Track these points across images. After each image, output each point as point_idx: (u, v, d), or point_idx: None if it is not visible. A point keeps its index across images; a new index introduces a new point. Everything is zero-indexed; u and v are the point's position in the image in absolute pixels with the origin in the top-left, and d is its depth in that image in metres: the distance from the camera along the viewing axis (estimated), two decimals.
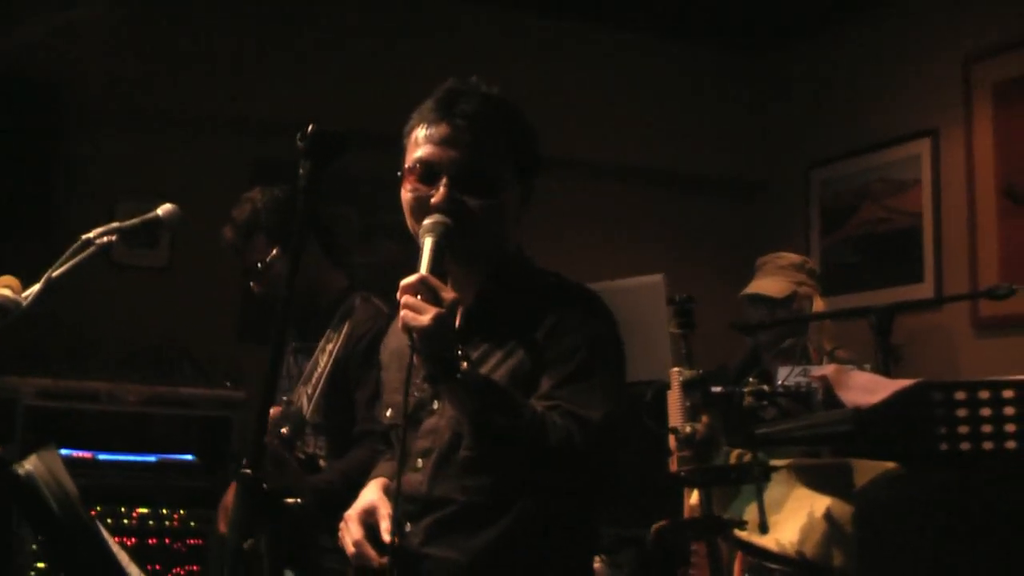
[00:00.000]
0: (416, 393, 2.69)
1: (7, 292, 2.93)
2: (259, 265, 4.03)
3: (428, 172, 2.66)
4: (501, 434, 2.46)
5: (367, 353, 3.71)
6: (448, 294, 2.43)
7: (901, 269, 6.86)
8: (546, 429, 2.45)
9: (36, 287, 2.97)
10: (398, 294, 2.43)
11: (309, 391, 3.88)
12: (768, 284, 5.49)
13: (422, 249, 2.53)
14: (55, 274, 3.01)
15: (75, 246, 3.09)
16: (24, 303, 2.94)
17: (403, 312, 2.40)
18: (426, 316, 2.36)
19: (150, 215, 3.33)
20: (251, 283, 4.11)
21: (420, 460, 2.67)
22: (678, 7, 7.34)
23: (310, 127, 2.30)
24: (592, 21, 7.54)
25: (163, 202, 3.31)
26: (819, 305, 5.50)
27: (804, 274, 5.56)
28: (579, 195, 7.43)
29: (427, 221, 2.57)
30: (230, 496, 4.04)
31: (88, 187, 6.31)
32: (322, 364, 3.88)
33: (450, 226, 2.57)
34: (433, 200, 2.62)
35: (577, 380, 2.57)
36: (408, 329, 2.39)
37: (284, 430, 3.74)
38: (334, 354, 3.85)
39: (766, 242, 6.76)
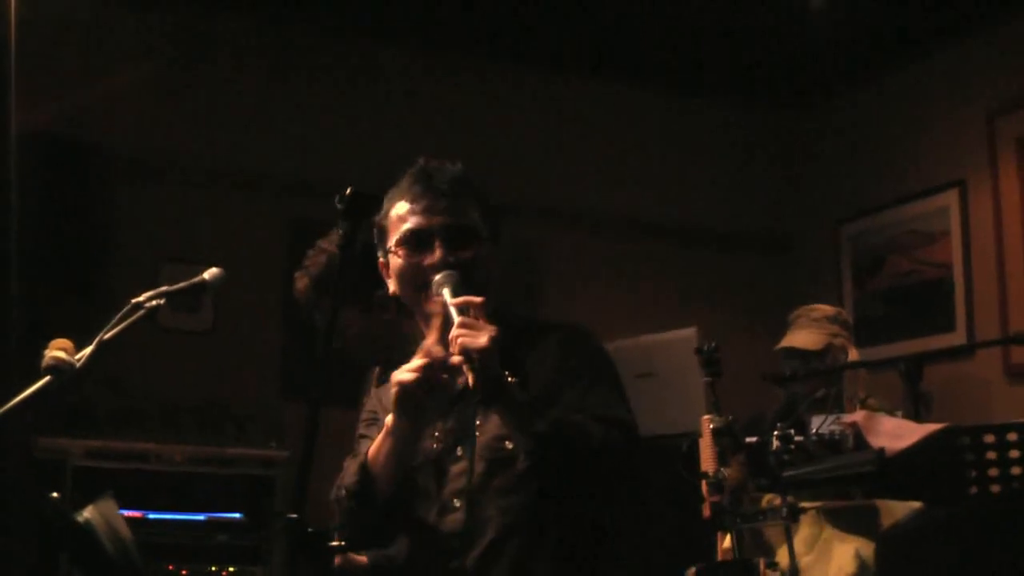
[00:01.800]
0: (435, 445, 2.88)
1: (62, 354, 3.02)
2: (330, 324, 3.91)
3: (420, 239, 2.89)
4: (553, 439, 2.65)
5: None
6: (492, 326, 2.66)
7: (932, 320, 6.92)
8: (589, 430, 2.68)
9: (88, 349, 3.07)
10: (450, 335, 2.64)
11: None
12: (803, 337, 5.55)
13: (444, 301, 2.74)
14: (106, 336, 3.11)
15: (125, 309, 3.17)
16: (78, 365, 3.04)
17: (461, 338, 2.61)
18: (483, 336, 2.60)
19: (196, 279, 3.42)
20: (326, 342, 3.99)
21: (456, 500, 2.82)
22: (708, 65, 7.44)
23: (347, 190, 2.45)
24: (624, 79, 7.63)
25: (206, 265, 3.40)
26: (854, 355, 5.55)
27: (838, 325, 5.62)
28: (610, 251, 7.52)
29: (438, 277, 2.80)
30: None
31: (132, 248, 6.40)
32: None
33: (457, 277, 2.79)
34: (429, 262, 2.85)
35: (595, 391, 2.83)
36: (467, 351, 2.59)
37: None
38: None
39: (797, 295, 6.83)
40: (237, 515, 5.58)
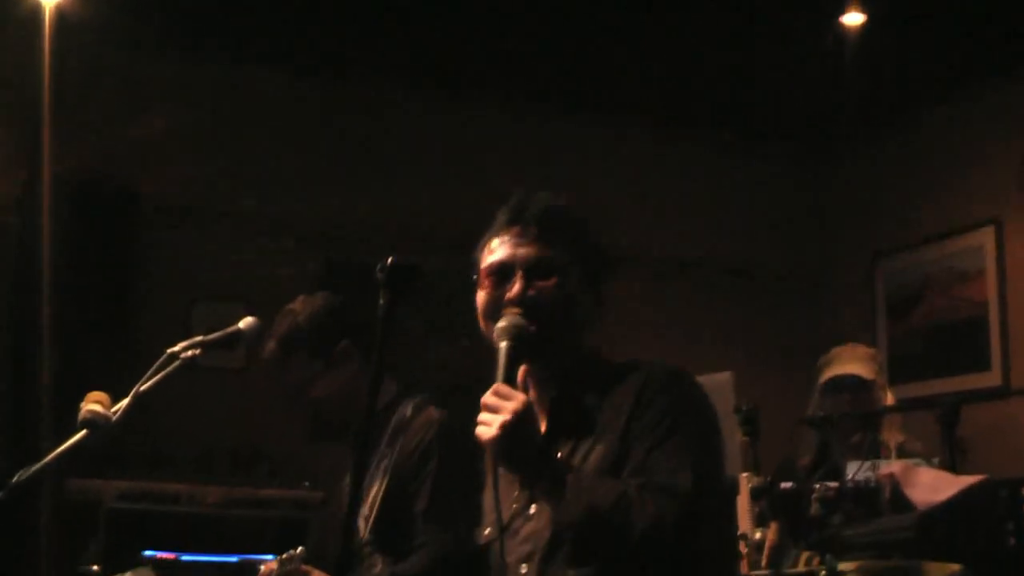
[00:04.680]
0: (513, 504, 2.73)
1: (97, 408, 3.04)
2: (300, 381, 3.94)
3: (503, 271, 2.75)
4: (589, 528, 2.49)
5: (420, 464, 3.65)
6: (518, 399, 2.53)
7: (968, 358, 6.88)
8: (631, 515, 2.45)
9: (124, 402, 3.08)
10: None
11: (366, 512, 3.79)
12: (856, 367, 5.40)
13: (498, 353, 2.63)
14: (142, 388, 3.12)
15: (161, 360, 3.20)
16: (113, 418, 3.06)
17: (478, 428, 2.50)
18: (494, 427, 2.48)
19: (231, 329, 3.46)
20: (296, 398, 4.08)
21: (524, 566, 2.67)
22: (739, 107, 7.44)
23: (388, 259, 2.42)
24: (655, 120, 7.64)
25: (239, 304, 3.41)
26: (889, 398, 5.49)
27: (878, 365, 5.53)
28: (641, 292, 7.48)
29: (501, 323, 2.67)
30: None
31: (163, 289, 6.46)
32: (378, 483, 3.79)
33: (523, 326, 2.66)
34: (508, 295, 2.71)
35: (662, 447, 2.54)
36: (483, 442, 2.50)
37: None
38: (389, 471, 3.76)
39: (831, 332, 6.80)
40: (270, 556, 5.55)
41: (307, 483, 5.84)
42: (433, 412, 3.82)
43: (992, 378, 6.71)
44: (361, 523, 3.79)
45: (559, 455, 2.62)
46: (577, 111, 7.53)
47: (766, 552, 2.67)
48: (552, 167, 7.35)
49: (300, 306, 3.98)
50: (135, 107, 6.44)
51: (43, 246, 5.70)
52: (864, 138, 7.82)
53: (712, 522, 2.56)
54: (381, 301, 2.44)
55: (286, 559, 3.61)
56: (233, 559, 5.53)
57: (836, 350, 5.55)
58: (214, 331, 3.45)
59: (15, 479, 2.89)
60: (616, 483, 2.53)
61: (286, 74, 6.93)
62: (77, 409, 3.05)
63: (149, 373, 3.16)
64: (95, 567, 3.37)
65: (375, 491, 3.79)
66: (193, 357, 3.29)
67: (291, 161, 6.87)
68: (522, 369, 2.72)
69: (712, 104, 7.47)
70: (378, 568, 3.74)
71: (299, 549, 3.60)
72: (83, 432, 3.04)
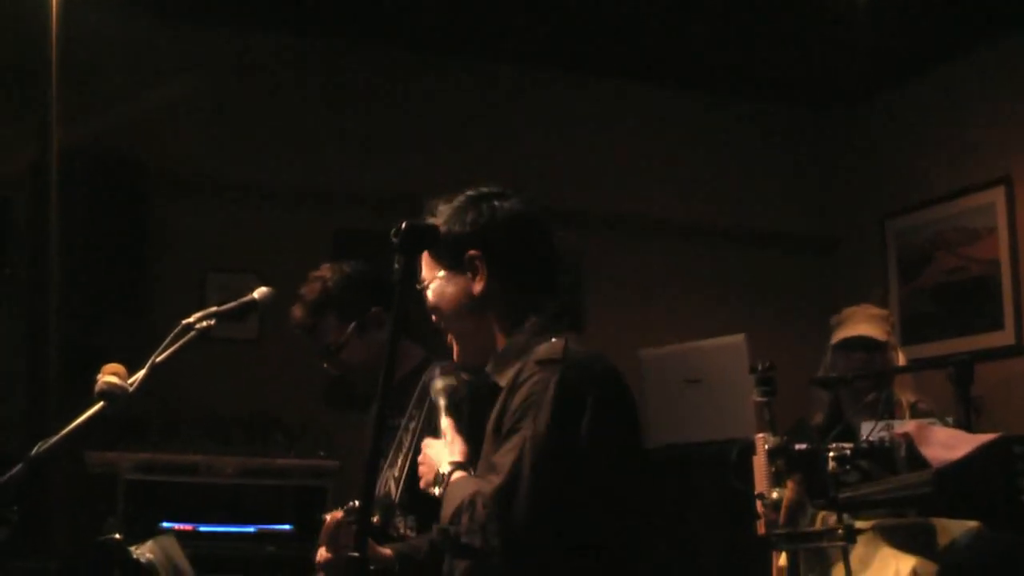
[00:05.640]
0: None
1: (114, 379, 3.04)
2: (332, 345, 4.00)
3: None
4: (443, 536, 2.66)
5: None
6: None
7: (980, 317, 6.88)
8: (461, 525, 2.57)
9: (141, 373, 3.09)
10: None
11: (396, 474, 3.78)
12: (867, 328, 5.42)
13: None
14: (158, 359, 3.13)
15: (176, 331, 3.20)
16: (130, 389, 3.06)
17: None
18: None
19: (246, 298, 3.46)
20: (325, 363, 4.10)
21: None
22: (749, 66, 7.41)
23: (402, 224, 2.43)
24: (663, 81, 7.63)
25: (251, 275, 3.41)
26: (901, 358, 5.49)
27: (890, 326, 5.54)
28: (653, 254, 7.50)
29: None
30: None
31: (177, 260, 6.48)
32: (407, 444, 3.78)
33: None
34: None
35: (506, 442, 2.61)
36: None
37: (375, 519, 3.78)
38: (417, 432, 3.73)
39: (842, 295, 6.80)
40: (287, 526, 5.60)
41: (322, 452, 5.86)
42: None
43: (1005, 336, 6.70)
44: (392, 485, 3.79)
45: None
46: (588, 75, 7.52)
47: (783, 511, 2.68)
48: (565, 133, 7.37)
49: (328, 272, 4.03)
50: (144, 79, 6.45)
51: (53, 220, 5.70)
52: (873, 98, 7.81)
53: (559, 517, 2.53)
54: (396, 265, 2.46)
55: (351, 508, 3.62)
56: (251, 529, 5.57)
57: (847, 311, 5.55)
58: (227, 302, 3.44)
59: (34, 451, 2.90)
60: (463, 490, 2.64)
61: (296, 43, 6.94)
62: (93, 381, 3.05)
63: (164, 344, 3.16)
64: (117, 536, 3.37)
65: (404, 451, 3.79)
66: (207, 328, 3.29)
67: (302, 130, 6.88)
68: None
69: (721, 66, 7.44)
70: (410, 531, 3.76)
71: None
72: (100, 404, 3.04)
